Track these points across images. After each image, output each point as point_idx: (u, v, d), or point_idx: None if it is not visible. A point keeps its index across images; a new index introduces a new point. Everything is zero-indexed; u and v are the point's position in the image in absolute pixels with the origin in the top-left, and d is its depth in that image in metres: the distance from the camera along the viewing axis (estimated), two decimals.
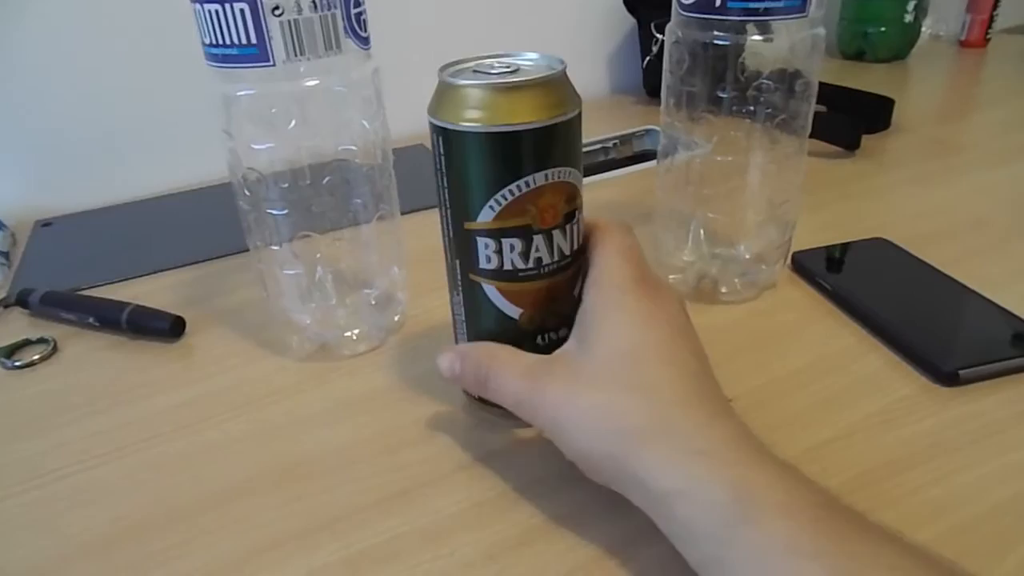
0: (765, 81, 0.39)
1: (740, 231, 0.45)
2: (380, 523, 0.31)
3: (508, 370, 0.30)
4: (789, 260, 0.47)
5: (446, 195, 0.31)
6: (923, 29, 1.03)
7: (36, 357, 0.44)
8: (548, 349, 0.31)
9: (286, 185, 0.38)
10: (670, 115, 0.43)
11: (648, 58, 0.86)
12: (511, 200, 0.29)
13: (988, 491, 0.31)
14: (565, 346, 0.31)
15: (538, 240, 0.30)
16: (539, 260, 0.31)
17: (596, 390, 0.27)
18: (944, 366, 0.37)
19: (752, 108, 0.40)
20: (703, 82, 0.40)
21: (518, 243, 0.30)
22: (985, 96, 0.90)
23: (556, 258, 0.31)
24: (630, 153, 0.79)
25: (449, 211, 0.31)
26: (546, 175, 0.29)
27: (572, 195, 0.31)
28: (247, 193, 0.38)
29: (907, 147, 0.71)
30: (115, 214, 0.68)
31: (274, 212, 0.38)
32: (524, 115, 0.28)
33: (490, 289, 0.31)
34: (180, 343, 0.46)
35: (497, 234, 0.30)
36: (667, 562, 0.28)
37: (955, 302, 0.43)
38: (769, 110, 0.40)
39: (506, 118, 0.28)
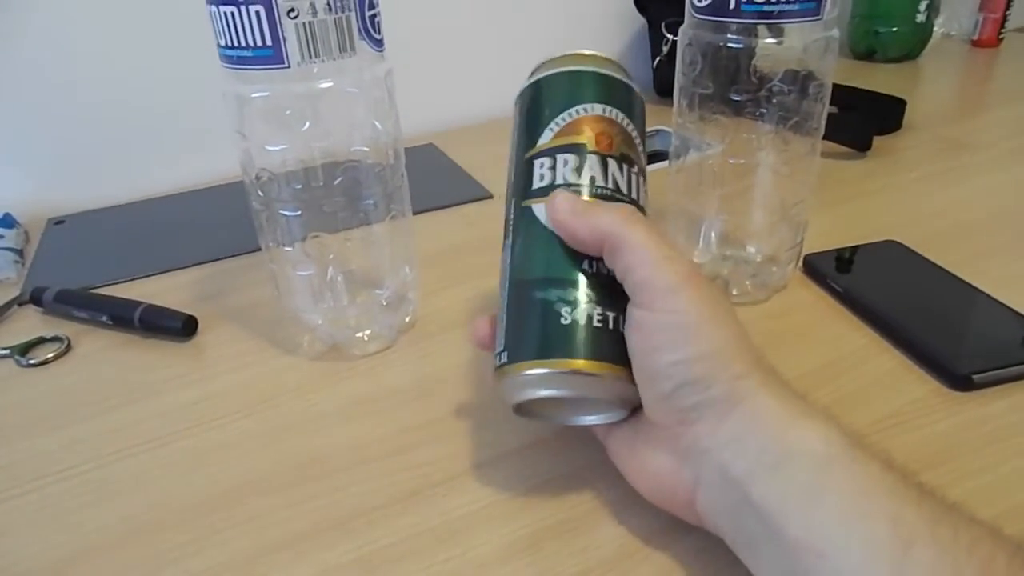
0: (778, 84, 0.39)
1: (752, 233, 0.45)
2: (392, 523, 0.31)
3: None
4: (800, 262, 0.47)
5: (515, 139, 0.34)
6: (935, 28, 1.02)
7: (50, 355, 0.45)
8: (596, 279, 0.29)
9: (299, 186, 0.38)
10: (682, 116, 0.43)
11: (659, 58, 0.86)
12: (569, 122, 0.32)
13: (1003, 495, 0.31)
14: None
15: (592, 160, 0.31)
16: (592, 179, 0.31)
17: (713, 324, 0.27)
18: (957, 370, 0.37)
19: (764, 110, 0.40)
20: (716, 84, 0.40)
21: (572, 158, 0.31)
22: (998, 96, 0.90)
23: (609, 185, 0.31)
24: None
25: (514, 153, 0.34)
26: (603, 108, 0.33)
27: (629, 141, 0.33)
28: (260, 193, 0.39)
29: (919, 147, 0.70)
30: (128, 212, 0.68)
31: (286, 212, 0.39)
32: (585, 63, 0.34)
33: (538, 208, 0.30)
34: (192, 342, 0.46)
35: (552, 152, 0.32)
36: (681, 564, 0.28)
37: (967, 305, 0.43)
38: (782, 112, 0.40)
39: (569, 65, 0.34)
